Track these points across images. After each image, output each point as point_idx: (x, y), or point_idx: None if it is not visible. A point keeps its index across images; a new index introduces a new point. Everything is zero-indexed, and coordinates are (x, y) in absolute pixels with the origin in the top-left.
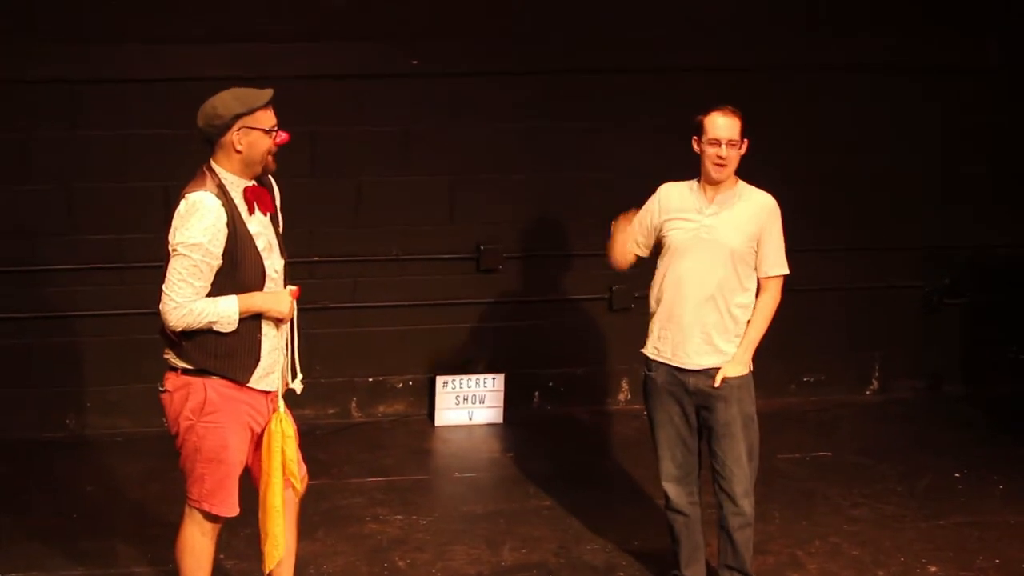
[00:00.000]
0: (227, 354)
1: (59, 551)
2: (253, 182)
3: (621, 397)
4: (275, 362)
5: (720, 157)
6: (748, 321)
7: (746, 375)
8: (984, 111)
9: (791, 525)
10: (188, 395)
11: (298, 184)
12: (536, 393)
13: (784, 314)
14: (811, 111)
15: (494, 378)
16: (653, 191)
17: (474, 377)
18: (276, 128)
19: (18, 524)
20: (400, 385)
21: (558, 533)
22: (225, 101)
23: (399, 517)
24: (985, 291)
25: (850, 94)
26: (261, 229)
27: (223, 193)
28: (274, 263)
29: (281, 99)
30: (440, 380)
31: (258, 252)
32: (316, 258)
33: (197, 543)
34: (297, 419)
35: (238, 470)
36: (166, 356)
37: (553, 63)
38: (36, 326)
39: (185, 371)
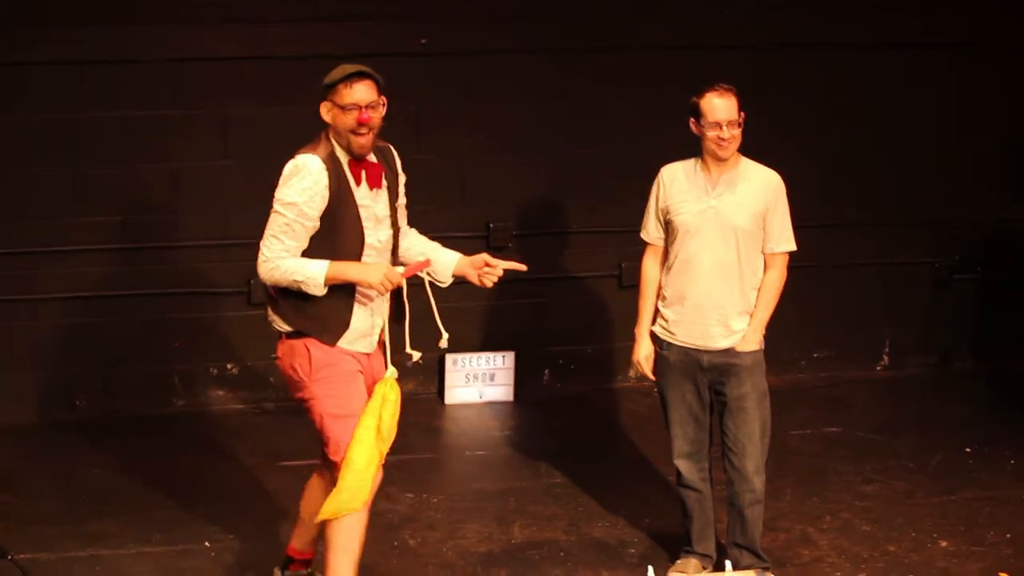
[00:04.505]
0: (317, 316)
1: (67, 533)
2: (366, 159)
3: (631, 374)
4: (371, 326)
5: (722, 139)
6: (756, 299)
7: (759, 351)
8: (995, 86)
9: (802, 502)
10: (294, 357)
11: None
12: (546, 371)
13: (794, 290)
14: (821, 87)
15: (504, 356)
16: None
17: (484, 355)
18: (358, 106)
19: (26, 506)
20: (410, 363)
21: (568, 511)
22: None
23: (409, 495)
24: (996, 266)
25: (860, 69)
26: (368, 202)
27: (332, 160)
28: (378, 235)
29: (286, 79)
30: (450, 358)
31: (360, 222)
32: None
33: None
34: None
35: None
36: (269, 319)
37: (563, 42)
38: (44, 308)
39: (288, 335)
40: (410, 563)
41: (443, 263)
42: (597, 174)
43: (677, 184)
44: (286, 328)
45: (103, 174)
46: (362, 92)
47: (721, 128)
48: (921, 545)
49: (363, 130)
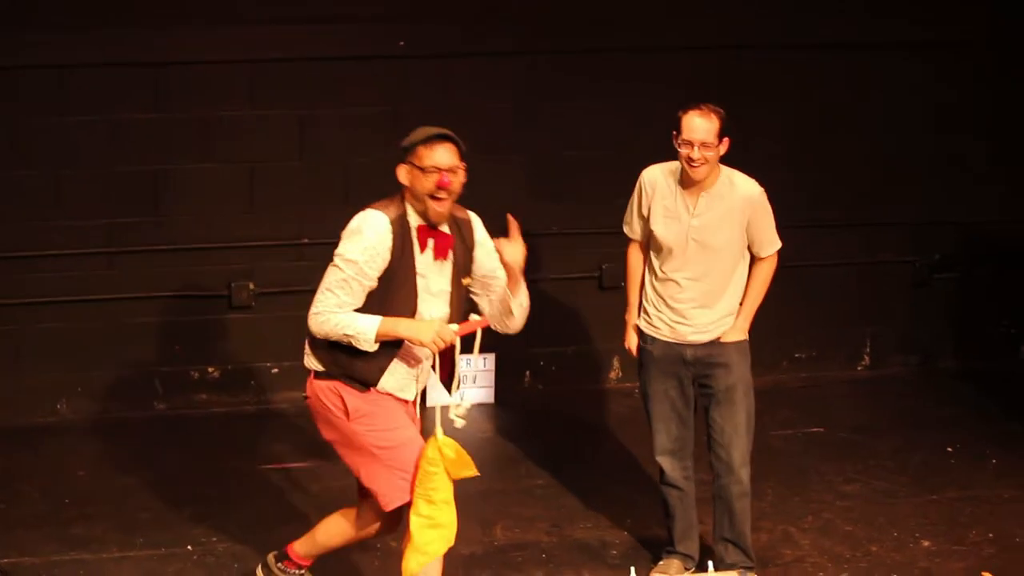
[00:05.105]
0: (353, 365)
1: (50, 536)
2: (440, 227)
3: (612, 375)
4: (412, 381)
5: (692, 159)
6: (745, 289)
7: (744, 342)
8: (974, 85)
9: (784, 502)
10: (326, 400)
11: (287, 167)
12: (527, 372)
13: (775, 291)
14: (802, 88)
15: (485, 358)
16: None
17: (465, 357)
18: (438, 169)
19: (9, 510)
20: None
21: (551, 512)
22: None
23: None
24: (975, 265)
25: (841, 70)
26: (429, 273)
27: (401, 221)
28: (432, 309)
29: (268, 82)
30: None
31: (415, 291)
32: (306, 240)
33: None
34: (288, 400)
35: (419, 443)
36: (304, 353)
37: (542, 43)
38: (26, 312)
39: (318, 375)
40: (392, 565)
41: (503, 279)
42: (577, 175)
43: (659, 195)
44: (318, 368)
45: (86, 178)
46: (443, 155)
47: (693, 148)
48: (903, 545)
49: (442, 194)
